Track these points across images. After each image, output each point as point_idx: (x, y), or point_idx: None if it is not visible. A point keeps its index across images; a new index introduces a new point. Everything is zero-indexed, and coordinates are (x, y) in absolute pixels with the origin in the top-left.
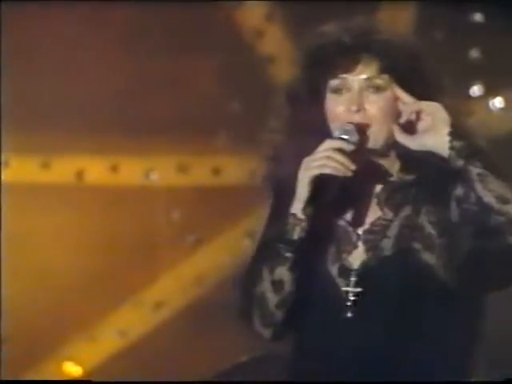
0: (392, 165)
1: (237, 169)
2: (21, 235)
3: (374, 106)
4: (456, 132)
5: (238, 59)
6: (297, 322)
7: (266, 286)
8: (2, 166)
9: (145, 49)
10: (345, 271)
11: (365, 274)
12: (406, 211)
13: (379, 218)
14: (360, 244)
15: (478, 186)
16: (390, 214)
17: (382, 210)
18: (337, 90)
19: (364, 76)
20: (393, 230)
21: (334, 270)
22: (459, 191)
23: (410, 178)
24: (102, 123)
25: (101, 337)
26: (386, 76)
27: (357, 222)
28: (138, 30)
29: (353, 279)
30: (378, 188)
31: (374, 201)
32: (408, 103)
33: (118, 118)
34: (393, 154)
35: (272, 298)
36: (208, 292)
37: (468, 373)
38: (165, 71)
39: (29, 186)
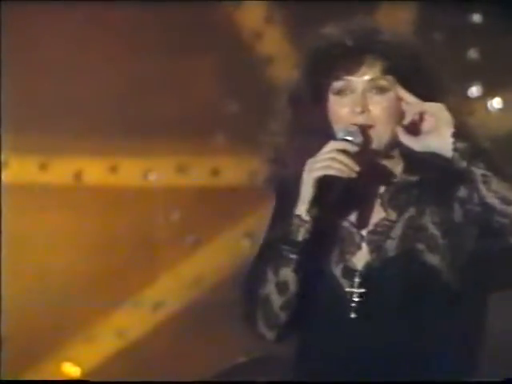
0: (396, 166)
1: (236, 169)
2: (20, 236)
3: (378, 107)
4: (459, 133)
5: (236, 60)
6: (301, 323)
7: (270, 288)
8: (2, 166)
9: (144, 49)
10: (348, 272)
11: (369, 275)
12: (410, 212)
13: (383, 219)
14: (364, 245)
15: (482, 187)
16: (393, 215)
17: (385, 210)
18: (340, 92)
19: (367, 77)
20: (397, 231)
21: (337, 270)
22: (463, 192)
23: (413, 178)
24: (101, 124)
25: (99, 337)
26: (389, 77)
27: (361, 223)
28: (137, 30)
29: (357, 280)
30: (382, 189)
31: (378, 202)
32: (411, 103)
33: (117, 119)
34: (396, 155)
35: (276, 300)
36: (207, 292)
37: (472, 373)
38: (164, 72)
39: (27, 187)
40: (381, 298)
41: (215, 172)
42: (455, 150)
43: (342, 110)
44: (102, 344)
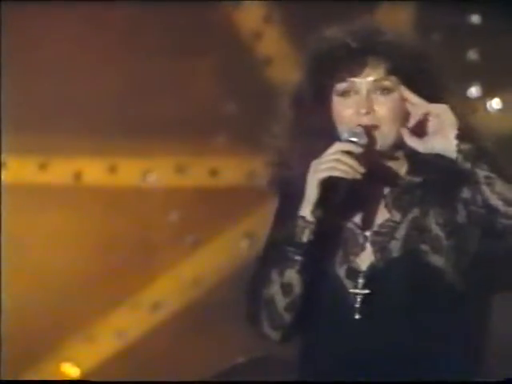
0: (400, 167)
1: (235, 170)
2: (19, 236)
3: (383, 108)
4: (463, 135)
5: (235, 60)
6: (305, 323)
7: (274, 289)
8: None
9: (143, 50)
10: (352, 273)
11: (373, 276)
12: (414, 213)
13: (387, 220)
14: (368, 246)
15: (485, 189)
16: (397, 216)
17: (389, 211)
18: (344, 93)
19: (371, 78)
20: (401, 232)
21: (341, 271)
22: (466, 193)
23: (417, 179)
24: (101, 124)
25: (99, 337)
26: (393, 78)
27: (366, 224)
28: (136, 30)
29: (360, 281)
30: (386, 190)
31: (382, 203)
32: (416, 104)
33: (116, 119)
34: (401, 156)
35: (281, 301)
36: (206, 293)
37: (476, 373)
38: (163, 72)
39: (27, 187)
40: (385, 299)
41: (214, 172)
42: (459, 151)
43: (346, 111)
44: (101, 344)
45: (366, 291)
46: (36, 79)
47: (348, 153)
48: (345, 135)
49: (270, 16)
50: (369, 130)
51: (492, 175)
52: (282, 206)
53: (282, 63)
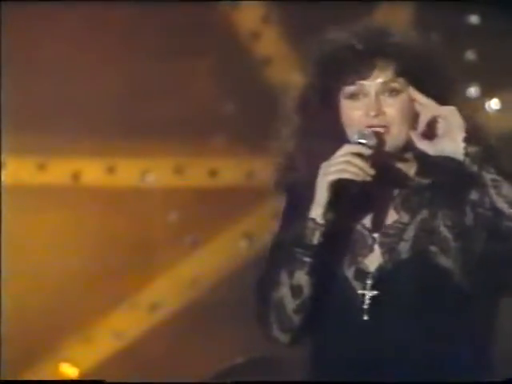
0: (409, 168)
1: (234, 170)
2: (18, 236)
3: (392, 110)
4: (471, 138)
5: (234, 61)
6: (314, 325)
7: (284, 291)
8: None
9: (142, 50)
10: (361, 274)
11: (381, 277)
12: (423, 214)
13: (395, 222)
14: (376, 247)
15: (492, 192)
16: (406, 218)
17: (398, 213)
18: (352, 96)
19: (380, 80)
20: (409, 234)
21: (349, 273)
22: (474, 196)
23: (426, 181)
24: (99, 124)
25: (97, 338)
26: (401, 79)
27: (376, 225)
28: (135, 31)
29: (369, 282)
30: (395, 191)
31: (391, 204)
32: (425, 104)
33: (114, 120)
34: (410, 158)
35: (290, 303)
36: (205, 293)
37: (484, 373)
38: (162, 73)
39: (25, 187)
40: (393, 300)
41: (213, 173)
42: (466, 154)
43: (355, 113)
44: (99, 345)
45: (375, 292)
46: (36, 79)
47: (358, 155)
48: (354, 137)
49: (269, 16)
50: (378, 132)
51: (498, 178)
52: (290, 207)
53: (281, 63)
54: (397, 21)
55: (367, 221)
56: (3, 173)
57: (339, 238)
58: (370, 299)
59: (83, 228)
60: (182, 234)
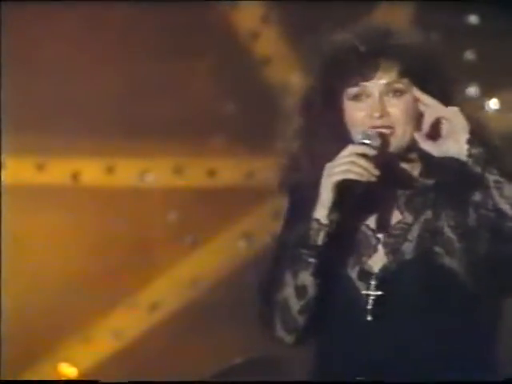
0: (414, 169)
1: (233, 170)
2: (17, 236)
3: (396, 110)
4: (474, 139)
5: (233, 60)
6: (318, 326)
7: (288, 292)
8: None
9: (141, 50)
10: (365, 275)
11: (385, 278)
12: (426, 215)
13: (399, 222)
14: (380, 247)
15: (495, 193)
16: (410, 218)
17: (402, 213)
18: (356, 97)
19: (384, 81)
20: (413, 234)
21: (353, 273)
22: (478, 197)
23: (430, 182)
24: (99, 125)
25: (96, 338)
26: (405, 80)
27: (381, 225)
28: (134, 31)
29: (373, 283)
30: (399, 192)
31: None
32: (429, 105)
33: (114, 120)
34: (415, 158)
35: (295, 304)
36: (204, 293)
37: (488, 373)
38: (161, 73)
39: (25, 187)
40: (397, 301)
41: (212, 173)
42: (470, 155)
43: (358, 114)
44: (98, 344)
45: (379, 293)
46: (35, 79)
47: (362, 155)
48: (358, 138)
49: (268, 16)
50: (382, 133)
51: (501, 179)
52: (293, 208)
53: (280, 63)
54: (396, 21)
55: (371, 221)
56: (3, 173)
57: (343, 239)
58: (373, 300)
59: (83, 228)
60: (182, 233)
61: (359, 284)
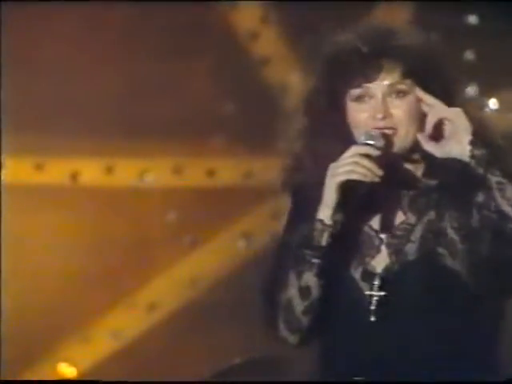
0: (417, 169)
1: (232, 170)
2: (16, 236)
3: (399, 111)
4: (477, 140)
5: (232, 61)
6: (322, 326)
7: (292, 292)
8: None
9: (141, 50)
10: (368, 275)
11: (388, 278)
12: (430, 216)
13: (402, 223)
14: (383, 248)
15: (497, 194)
16: (413, 219)
17: (405, 214)
18: (359, 99)
19: (387, 82)
20: (416, 235)
21: (357, 274)
22: (480, 198)
23: (433, 182)
24: (98, 124)
25: (95, 338)
26: (408, 80)
27: (385, 226)
28: (134, 31)
29: (376, 283)
30: (402, 192)
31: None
32: (431, 105)
33: (113, 120)
34: (418, 159)
35: (299, 305)
36: (203, 293)
37: (490, 374)
38: (160, 73)
39: (23, 187)
40: (400, 301)
41: (211, 173)
42: (472, 157)
43: (361, 115)
44: (97, 344)
45: (382, 293)
46: (35, 79)
47: (366, 156)
48: (361, 138)
49: (267, 16)
50: (385, 133)
51: (504, 181)
52: (296, 208)
53: (279, 63)
54: (396, 21)
55: (374, 222)
56: (2, 172)
57: (347, 239)
58: (377, 300)
59: (82, 228)
60: (181, 233)
61: (362, 284)
